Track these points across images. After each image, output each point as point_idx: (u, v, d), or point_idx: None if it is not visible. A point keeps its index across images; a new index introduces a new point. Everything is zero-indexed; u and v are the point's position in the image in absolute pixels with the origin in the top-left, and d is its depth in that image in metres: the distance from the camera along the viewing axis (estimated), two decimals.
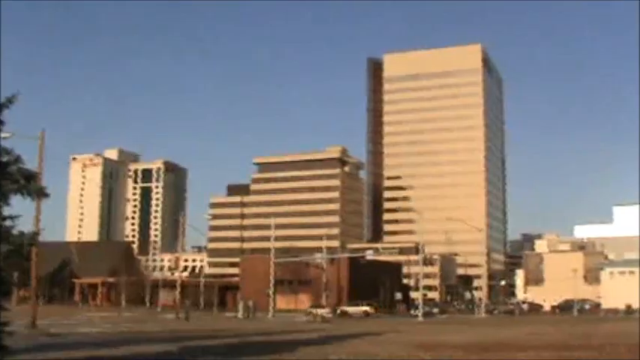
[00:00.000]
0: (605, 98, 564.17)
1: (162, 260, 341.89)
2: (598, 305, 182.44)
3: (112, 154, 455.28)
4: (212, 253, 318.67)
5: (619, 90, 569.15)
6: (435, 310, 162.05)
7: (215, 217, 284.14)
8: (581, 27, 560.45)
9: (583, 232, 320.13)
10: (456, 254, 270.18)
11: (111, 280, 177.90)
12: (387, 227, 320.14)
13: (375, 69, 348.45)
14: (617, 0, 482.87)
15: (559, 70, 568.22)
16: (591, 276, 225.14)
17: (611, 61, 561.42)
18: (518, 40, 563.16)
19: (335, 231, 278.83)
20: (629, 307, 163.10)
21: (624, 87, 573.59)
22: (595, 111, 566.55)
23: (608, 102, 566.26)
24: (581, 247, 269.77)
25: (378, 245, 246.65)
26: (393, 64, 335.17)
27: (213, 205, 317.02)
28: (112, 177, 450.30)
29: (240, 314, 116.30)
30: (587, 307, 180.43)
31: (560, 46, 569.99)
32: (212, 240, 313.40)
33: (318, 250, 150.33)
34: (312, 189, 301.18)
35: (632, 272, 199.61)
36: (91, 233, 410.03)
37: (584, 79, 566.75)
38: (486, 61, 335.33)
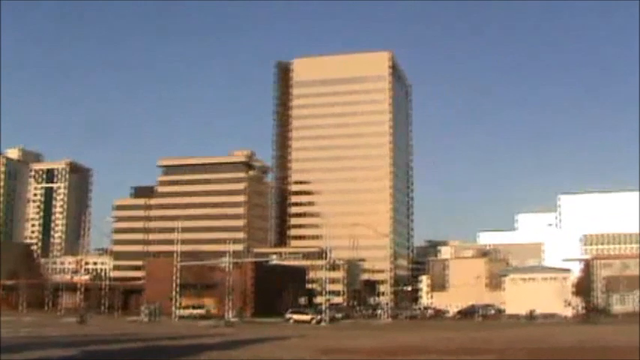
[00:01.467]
0: (510, 107, 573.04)
1: (64, 263, 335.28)
2: (501, 311, 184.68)
3: (14, 153, 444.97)
4: (116, 255, 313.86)
5: (524, 100, 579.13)
6: (340, 315, 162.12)
7: (120, 219, 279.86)
8: (489, 32, 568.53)
9: (487, 239, 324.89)
10: (361, 259, 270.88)
11: (9, 283, 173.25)
12: (292, 232, 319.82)
13: (284, 73, 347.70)
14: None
15: (466, 78, 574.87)
16: (494, 282, 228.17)
17: (517, 69, 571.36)
18: (426, 47, 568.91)
19: (241, 235, 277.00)
20: (530, 312, 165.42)
21: (530, 96, 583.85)
22: (500, 120, 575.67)
23: (513, 110, 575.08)
24: (484, 253, 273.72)
25: (283, 250, 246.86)
26: (302, 69, 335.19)
27: (118, 207, 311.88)
28: (13, 177, 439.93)
29: (143, 318, 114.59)
30: (490, 312, 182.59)
31: (468, 53, 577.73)
32: (117, 242, 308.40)
33: (224, 253, 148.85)
34: (218, 192, 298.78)
35: (533, 279, 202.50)
36: None
37: (491, 86, 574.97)
38: (394, 68, 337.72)
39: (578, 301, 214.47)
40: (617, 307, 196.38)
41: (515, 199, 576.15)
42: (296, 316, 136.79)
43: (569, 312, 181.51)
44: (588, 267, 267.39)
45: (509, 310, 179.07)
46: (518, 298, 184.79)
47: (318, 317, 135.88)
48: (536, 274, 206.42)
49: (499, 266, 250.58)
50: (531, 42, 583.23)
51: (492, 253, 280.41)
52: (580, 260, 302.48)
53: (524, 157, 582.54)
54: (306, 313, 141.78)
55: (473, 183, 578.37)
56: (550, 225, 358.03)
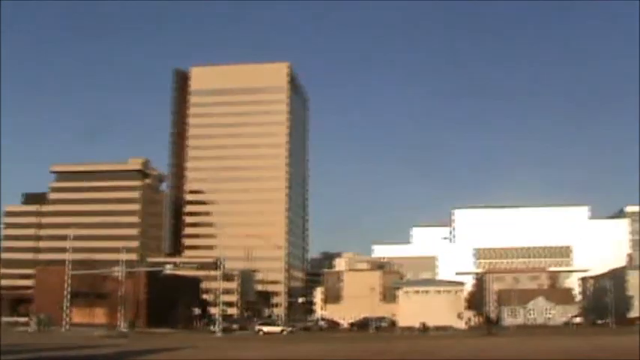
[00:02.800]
0: (405, 121, 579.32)
1: None
2: (394, 323, 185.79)
3: None
4: (5, 263, 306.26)
5: (419, 114, 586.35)
6: (234, 326, 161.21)
7: (9, 226, 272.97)
8: (388, 48, 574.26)
9: (382, 251, 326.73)
10: (255, 270, 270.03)
11: None
12: (187, 242, 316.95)
13: (182, 81, 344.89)
14: None
15: (363, 92, 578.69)
16: (388, 294, 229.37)
17: (411, 82, 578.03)
18: (325, 61, 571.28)
19: (134, 244, 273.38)
20: (423, 325, 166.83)
21: (425, 110, 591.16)
22: (396, 134, 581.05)
23: (409, 124, 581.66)
24: (379, 266, 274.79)
25: (177, 260, 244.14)
26: (201, 77, 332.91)
27: (8, 214, 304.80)
28: None
29: (32, 328, 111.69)
30: (383, 324, 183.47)
31: (366, 66, 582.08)
32: (5, 250, 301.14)
33: (117, 262, 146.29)
34: (113, 200, 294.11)
35: (426, 292, 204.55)
36: None
37: (387, 100, 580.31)
38: (293, 80, 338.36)
39: (470, 314, 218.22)
40: (508, 320, 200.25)
41: (410, 213, 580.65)
42: (266, 328, 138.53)
43: (462, 324, 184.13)
44: (481, 280, 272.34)
45: (403, 322, 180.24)
46: (411, 310, 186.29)
47: (289, 329, 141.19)
48: (430, 287, 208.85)
49: (393, 279, 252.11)
50: (427, 55, 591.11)
51: (387, 266, 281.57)
52: (473, 274, 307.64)
53: (420, 170, 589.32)
54: (277, 325, 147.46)
55: (368, 196, 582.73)
56: (444, 239, 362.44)
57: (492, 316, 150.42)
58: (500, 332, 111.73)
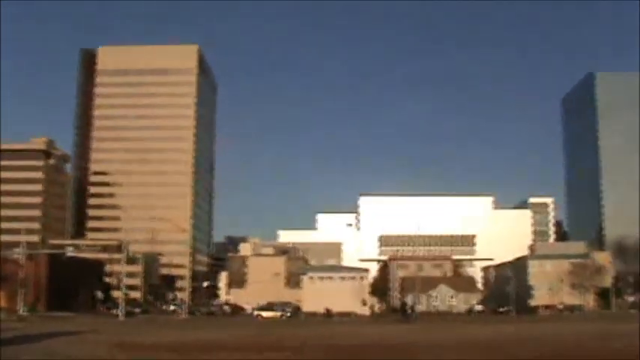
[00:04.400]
0: (312, 109, 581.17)
1: None
2: (299, 309, 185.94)
3: None
4: None
5: (325, 103, 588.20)
6: (138, 310, 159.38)
7: None
8: (294, 36, 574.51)
9: (287, 237, 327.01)
10: (160, 254, 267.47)
11: None
12: (91, 224, 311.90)
13: (89, 61, 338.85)
14: None
15: (272, 79, 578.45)
16: (293, 280, 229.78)
17: (321, 71, 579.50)
18: (235, 45, 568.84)
19: (36, 225, 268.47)
20: (327, 311, 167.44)
21: (331, 99, 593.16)
22: (304, 121, 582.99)
23: (316, 112, 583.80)
24: (284, 251, 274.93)
25: (81, 242, 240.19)
26: (108, 58, 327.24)
27: None
28: None
29: None
30: (287, 310, 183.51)
31: (275, 55, 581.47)
32: None
33: (17, 244, 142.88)
34: (14, 180, 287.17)
35: (331, 278, 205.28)
36: None
37: (296, 87, 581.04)
38: (202, 63, 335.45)
39: (374, 301, 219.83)
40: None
41: (316, 199, 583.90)
42: (265, 314, 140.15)
43: (366, 311, 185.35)
44: (385, 267, 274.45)
45: (307, 308, 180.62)
46: (316, 296, 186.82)
47: (288, 313, 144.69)
48: (335, 274, 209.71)
49: (298, 264, 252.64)
50: (337, 41, 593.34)
51: (292, 252, 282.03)
52: (377, 261, 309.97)
53: (326, 157, 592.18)
54: (274, 310, 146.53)
55: (274, 182, 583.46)
56: (349, 225, 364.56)
57: (409, 302, 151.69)
58: (411, 319, 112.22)
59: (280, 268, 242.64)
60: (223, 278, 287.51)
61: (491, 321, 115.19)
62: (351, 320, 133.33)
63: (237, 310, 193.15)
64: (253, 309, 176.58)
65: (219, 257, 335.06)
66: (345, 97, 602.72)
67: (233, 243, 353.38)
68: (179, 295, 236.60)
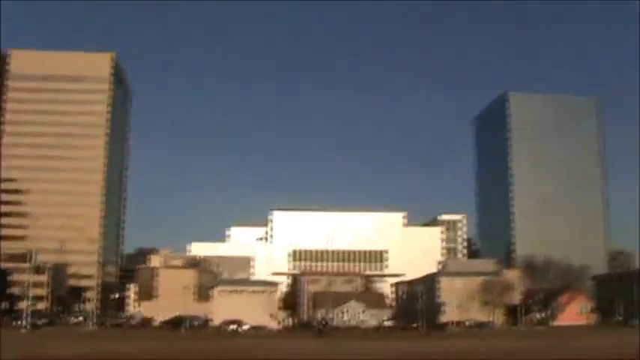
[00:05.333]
0: (223, 121, 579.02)
1: None
2: (208, 322, 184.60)
3: None
4: None
5: (237, 120, 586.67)
6: (43, 321, 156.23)
7: None
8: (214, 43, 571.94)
9: (198, 249, 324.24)
10: (68, 264, 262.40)
11: None
12: None
13: (1, 64, 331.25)
14: None
15: (187, 89, 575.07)
16: (203, 293, 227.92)
17: (232, 85, 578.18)
18: (154, 52, 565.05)
19: None
20: (237, 324, 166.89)
21: (248, 111, 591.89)
22: (216, 133, 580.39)
23: (225, 124, 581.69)
24: (194, 264, 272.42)
25: None
26: (20, 61, 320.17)
27: None
28: None
29: None
30: (196, 323, 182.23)
31: (194, 60, 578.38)
32: None
33: None
34: None
35: (241, 291, 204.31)
36: None
37: (207, 101, 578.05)
38: (117, 71, 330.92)
39: (284, 315, 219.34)
40: None
41: (228, 212, 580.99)
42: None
43: (275, 325, 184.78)
44: (296, 282, 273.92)
45: (217, 321, 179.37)
46: (226, 309, 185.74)
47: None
48: (245, 287, 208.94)
49: (209, 277, 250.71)
50: (248, 52, 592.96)
51: (202, 264, 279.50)
52: (288, 275, 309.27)
53: (239, 169, 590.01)
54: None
55: (187, 194, 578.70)
56: (261, 239, 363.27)
57: (322, 317, 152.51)
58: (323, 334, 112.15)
59: (190, 281, 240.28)
60: (132, 290, 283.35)
61: (399, 337, 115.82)
62: (259, 334, 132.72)
63: (145, 322, 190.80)
64: (163, 322, 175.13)
65: (129, 269, 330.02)
66: (259, 108, 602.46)
67: (143, 254, 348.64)
68: (87, 306, 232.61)
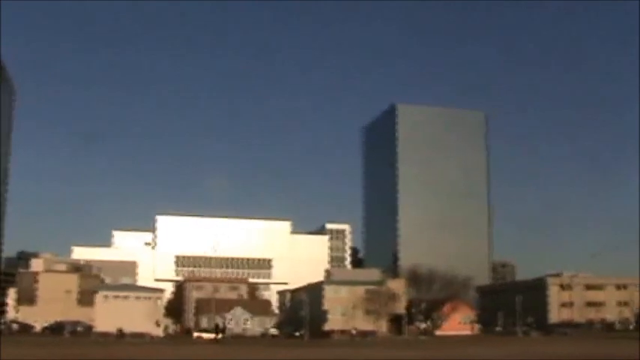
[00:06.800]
0: (106, 120, 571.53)
1: None
2: (91, 328, 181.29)
3: None
4: None
5: (118, 121, 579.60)
6: None
7: None
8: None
9: (81, 253, 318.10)
10: None
11: None
12: None
13: None
14: None
15: (82, 86, 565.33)
16: (86, 298, 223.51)
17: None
18: (42, 54, 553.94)
19: None
20: (120, 331, 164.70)
21: (121, 121, 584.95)
22: (102, 139, 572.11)
23: (124, 133, 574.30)
24: (77, 268, 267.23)
25: None
26: None
27: None
28: None
29: None
30: (79, 329, 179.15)
31: (83, 61, 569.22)
32: None
33: None
34: None
35: (125, 297, 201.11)
36: None
37: (99, 97, 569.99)
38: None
39: (169, 322, 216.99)
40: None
41: (112, 216, 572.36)
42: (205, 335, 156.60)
43: (159, 332, 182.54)
44: (181, 288, 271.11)
45: (100, 327, 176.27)
46: (109, 315, 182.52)
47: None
48: (129, 293, 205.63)
49: (92, 282, 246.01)
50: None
51: (86, 269, 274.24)
52: (173, 281, 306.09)
53: (125, 173, 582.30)
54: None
55: (70, 195, 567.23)
56: (146, 244, 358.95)
57: (220, 324, 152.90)
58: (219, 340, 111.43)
59: (73, 286, 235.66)
60: (12, 295, 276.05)
61: (285, 344, 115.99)
62: (144, 341, 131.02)
63: (25, 328, 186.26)
64: (45, 328, 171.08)
65: (9, 273, 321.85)
66: (146, 111, 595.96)
67: (24, 258, 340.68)
68: None
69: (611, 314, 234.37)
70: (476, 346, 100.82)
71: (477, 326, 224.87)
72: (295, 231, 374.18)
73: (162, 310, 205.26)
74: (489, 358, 77.55)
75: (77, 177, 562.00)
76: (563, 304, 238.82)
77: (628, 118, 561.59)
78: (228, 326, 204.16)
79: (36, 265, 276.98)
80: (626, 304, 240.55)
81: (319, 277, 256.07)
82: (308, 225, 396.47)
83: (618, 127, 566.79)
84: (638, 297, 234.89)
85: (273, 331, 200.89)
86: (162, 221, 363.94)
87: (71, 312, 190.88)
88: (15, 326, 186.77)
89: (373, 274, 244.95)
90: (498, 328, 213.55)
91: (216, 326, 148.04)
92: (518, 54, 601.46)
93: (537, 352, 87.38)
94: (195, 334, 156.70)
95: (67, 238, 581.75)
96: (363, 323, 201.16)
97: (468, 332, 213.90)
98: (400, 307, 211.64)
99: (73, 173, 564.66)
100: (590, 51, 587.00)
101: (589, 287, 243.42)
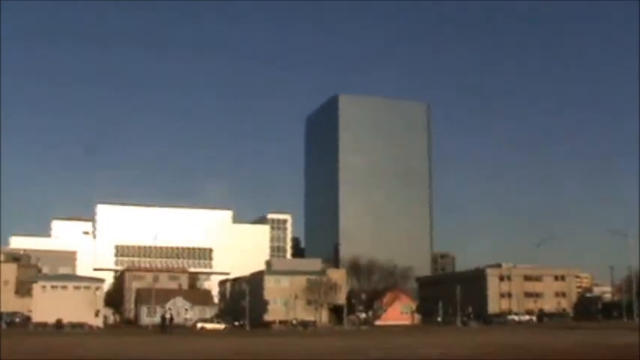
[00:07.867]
0: (64, 117, 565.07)
1: None
2: (29, 319, 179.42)
3: None
4: None
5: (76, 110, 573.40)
6: None
7: None
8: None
9: (18, 242, 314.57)
10: None
11: None
12: None
13: None
14: None
15: (24, 74, 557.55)
16: (24, 288, 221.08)
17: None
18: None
19: None
20: (59, 321, 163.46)
21: (89, 105, 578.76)
22: (43, 125, 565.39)
23: (66, 119, 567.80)
24: (14, 258, 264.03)
25: None
26: None
27: None
28: None
29: None
30: (16, 320, 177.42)
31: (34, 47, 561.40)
32: None
33: None
34: None
35: (64, 287, 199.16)
36: None
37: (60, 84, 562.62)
38: None
39: (109, 312, 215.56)
40: (146, 319, 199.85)
41: (51, 204, 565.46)
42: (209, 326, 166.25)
43: (99, 322, 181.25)
44: (120, 278, 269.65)
45: (37, 318, 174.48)
46: (47, 306, 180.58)
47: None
48: (68, 283, 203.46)
49: (30, 272, 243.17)
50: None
51: (23, 259, 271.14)
52: (113, 271, 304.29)
53: (63, 160, 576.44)
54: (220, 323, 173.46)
55: (7, 183, 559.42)
56: (86, 233, 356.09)
57: (167, 315, 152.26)
58: (138, 331, 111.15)
59: (10, 276, 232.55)
60: None
61: (227, 334, 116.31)
62: (85, 332, 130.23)
63: None
64: None
65: None
66: (88, 96, 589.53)
67: None
68: None
69: (549, 305, 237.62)
70: (405, 337, 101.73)
71: (417, 316, 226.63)
72: (237, 221, 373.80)
73: (102, 301, 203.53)
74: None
75: (15, 165, 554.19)
76: (502, 295, 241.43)
77: (568, 104, 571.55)
78: (168, 316, 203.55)
79: None
80: (563, 294, 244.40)
81: (260, 266, 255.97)
82: (249, 215, 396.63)
83: (558, 116, 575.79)
84: (575, 288, 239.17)
85: (217, 321, 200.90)
86: (103, 210, 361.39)
87: (8, 302, 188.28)
88: None
89: (314, 264, 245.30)
90: (439, 319, 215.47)
91: (163, 318, 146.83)
92: (465, 44, 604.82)
93: (467, 341, 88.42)
94: (199, 325, 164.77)
95: (5, 228, 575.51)
96: (304, 313, 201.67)
97: (407, 322, 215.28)
98: (341, 298, 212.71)
99: (12, 162, 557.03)
100: (541, 33, 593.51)
101: (527, 278, 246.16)
